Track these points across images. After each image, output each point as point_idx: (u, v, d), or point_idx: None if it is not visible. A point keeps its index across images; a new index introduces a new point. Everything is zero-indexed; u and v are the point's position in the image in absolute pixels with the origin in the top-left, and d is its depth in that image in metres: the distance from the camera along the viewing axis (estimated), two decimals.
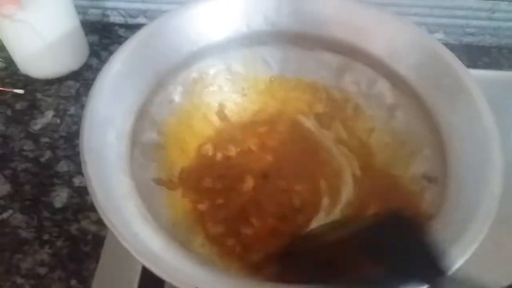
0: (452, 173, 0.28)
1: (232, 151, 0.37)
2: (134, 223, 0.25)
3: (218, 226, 0.34)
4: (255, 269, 0.30)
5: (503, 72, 0.52)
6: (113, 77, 0.31)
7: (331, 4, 0.36)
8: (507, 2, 0.50)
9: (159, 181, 0.33)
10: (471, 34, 0.54)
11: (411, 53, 0.33)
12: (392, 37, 0.34)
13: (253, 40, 0.38)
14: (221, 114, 0.40)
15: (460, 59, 0.53)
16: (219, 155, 0.38)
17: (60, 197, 0.42)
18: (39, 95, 0.50)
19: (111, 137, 0.29)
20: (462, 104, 0.29)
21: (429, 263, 0.22)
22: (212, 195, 0.35)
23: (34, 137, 0.46)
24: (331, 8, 0.35)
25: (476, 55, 0.54)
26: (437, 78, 0.31)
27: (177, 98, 0.37)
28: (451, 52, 0.32)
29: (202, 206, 0.35)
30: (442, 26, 0.53)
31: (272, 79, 0.40)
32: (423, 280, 0.22)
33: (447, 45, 0.54)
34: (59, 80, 0.52)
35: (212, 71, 0.39)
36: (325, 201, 0.35)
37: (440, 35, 0.54)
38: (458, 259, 0.22)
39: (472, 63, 0.53)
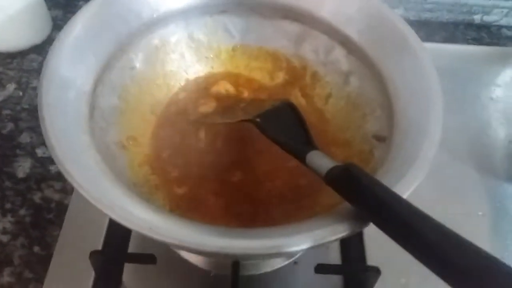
0: (398, 130, 0.29)
1: (193, 115, 0.38)
2: (92, 174, 0.25)
3: (180, 189, 0.35)
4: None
5: (458, 46, 0.54)
6: (73, 39, 0.31)
7: None
8: None
9: (119, 144, 0.34)
10: (429, 10, 0.56)
11: (361, 17, 0.34)
12: (343, 3, 0.35)
13: (214, 7, 0.39)
14: (183, 82, 0.40)
15: (418, 34, 0.55)
16: (181, 122, 0.38)
17: (23, 167, 0.42)
18: (0, 69, 0.50)
19: (71, 96, 0.29)
20: (407, 62, 0.31)
21: (306, 139, 0.30)
22: (173, 160, 0.36)
23: None
24: None
25: (434, 30, 0.56)
26: (386, 41, 0.33)
27: (138, 64, 0.37)
28: (397, 15, 0.33)
29: (164, 168, 0.35)
30: (402, 2, 0.55)
31: (235, 47, 0.41)
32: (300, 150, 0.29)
33: (407, 20, 0.56)
34: (22, 54, 0.51)
35: (173, 39, 0.39)
36: None
37: (400, 11, 0.56)
38: None
39: (430, 38, 0.55)
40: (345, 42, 0.36)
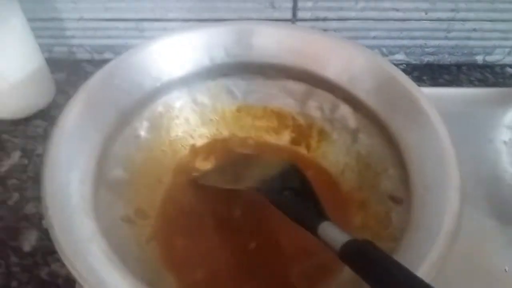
0: (415, 193, 0.28)
1: (198, 178, 0.37)
2: (99, 267, 0.24)
3: (189, 267, 0.33)
4: None
5: (464, 89, 0.54)
6: (75, 118, 0.31)
7: (288, 36, 0.37)
8: (462, 22, 0.53)
9: (126, 218, 0.33)
10: (431, 53, 0.56)
11: (368, 77, 0.34)
12: (348, 63, 0.35)
13: (216, 72, 0.38)
14: (189, 146, 0.40)
15: (422, 78, 0.55)
16: (189, 189, 0.38)
17: (29, 240, 0.41)
18: (5, 136, 0.50)
19: (75, 179, 0.29)
20: (419, 124, 0.30)
21: (317, 207, 0.29)
22: (184, 232, 0.35)
23: (0, 180, 0.45)
24: (289, 39, 0.36)
25: (437, 73, 0.56)
26: (394, 100, 0.32)
27: (143, 133, 0.37)
28: (405, 75, 0.33)
29: (173, 243, 0.34)
30: (402, 47, 0.55)
31: (240, 108, 0.41)
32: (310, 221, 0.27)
33: (408, 64, 0.57)
34: (26, 120, 0.51)
35: (177, 104, 0.39)
36: None
37: (401, 56, 0.55)
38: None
39: (434, 81, 0.55)
40: (350, 101, 0.36)
